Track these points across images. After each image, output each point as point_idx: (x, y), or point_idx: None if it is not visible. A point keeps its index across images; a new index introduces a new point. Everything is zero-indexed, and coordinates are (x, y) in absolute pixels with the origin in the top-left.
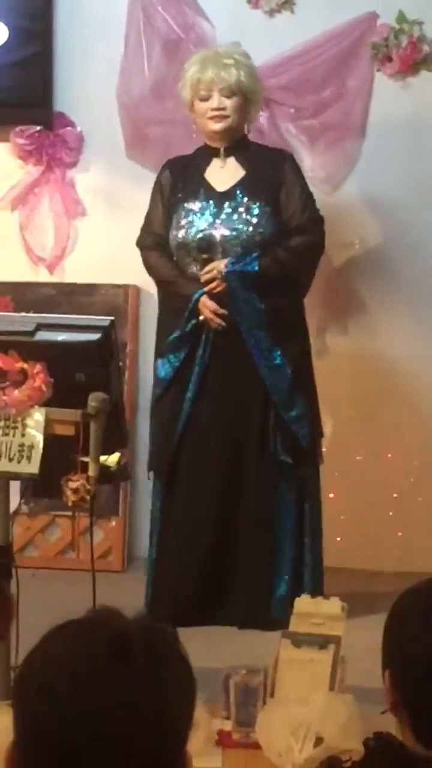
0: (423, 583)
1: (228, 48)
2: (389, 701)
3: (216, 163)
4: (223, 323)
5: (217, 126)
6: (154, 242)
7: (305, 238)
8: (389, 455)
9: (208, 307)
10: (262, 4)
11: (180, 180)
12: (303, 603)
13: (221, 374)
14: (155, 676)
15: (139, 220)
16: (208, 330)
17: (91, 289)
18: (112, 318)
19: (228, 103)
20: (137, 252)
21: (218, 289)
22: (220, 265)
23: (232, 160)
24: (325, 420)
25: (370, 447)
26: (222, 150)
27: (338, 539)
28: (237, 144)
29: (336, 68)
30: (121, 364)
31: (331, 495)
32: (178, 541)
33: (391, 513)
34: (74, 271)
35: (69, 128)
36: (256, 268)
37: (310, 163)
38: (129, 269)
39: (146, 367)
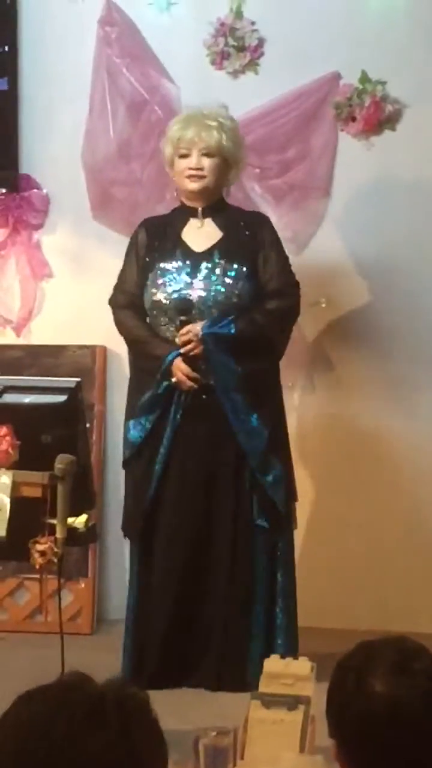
0: (356, 647)
1: (213, 109)
2: None
3: (193, 223)
4: (195, 386)
5: (194, 185)
6: (127, 301)
7: (281, 303)
8: (360, 514)
9: (181, 369)
10: (226, 65)
11: (156, 239)
12: (272, 663)
13: (193, 436)
14: (129, 738)
15: (106, 281)
16: (180, 392)
17: (58, 350)
18: (79, 379)
19: (206, 163)
20: (104, 313)
21: (195, 351)
22: (197, 327)
23: (209, 221)
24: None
25: (340, 507)
26: (200, 210)
27: (311, 599)
28: (215, 205)
29: (300, 128)
30: (88, 425)
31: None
32: (151, 604)
33: (364, 572)
34: (41, 333)
35: (35, 190)
36: (233, 330)
37: (276, 223)
38: (96, 330)
39: (114, 428)
